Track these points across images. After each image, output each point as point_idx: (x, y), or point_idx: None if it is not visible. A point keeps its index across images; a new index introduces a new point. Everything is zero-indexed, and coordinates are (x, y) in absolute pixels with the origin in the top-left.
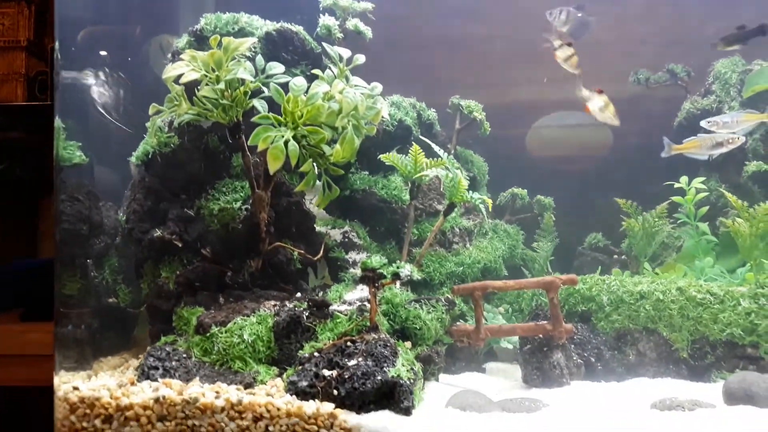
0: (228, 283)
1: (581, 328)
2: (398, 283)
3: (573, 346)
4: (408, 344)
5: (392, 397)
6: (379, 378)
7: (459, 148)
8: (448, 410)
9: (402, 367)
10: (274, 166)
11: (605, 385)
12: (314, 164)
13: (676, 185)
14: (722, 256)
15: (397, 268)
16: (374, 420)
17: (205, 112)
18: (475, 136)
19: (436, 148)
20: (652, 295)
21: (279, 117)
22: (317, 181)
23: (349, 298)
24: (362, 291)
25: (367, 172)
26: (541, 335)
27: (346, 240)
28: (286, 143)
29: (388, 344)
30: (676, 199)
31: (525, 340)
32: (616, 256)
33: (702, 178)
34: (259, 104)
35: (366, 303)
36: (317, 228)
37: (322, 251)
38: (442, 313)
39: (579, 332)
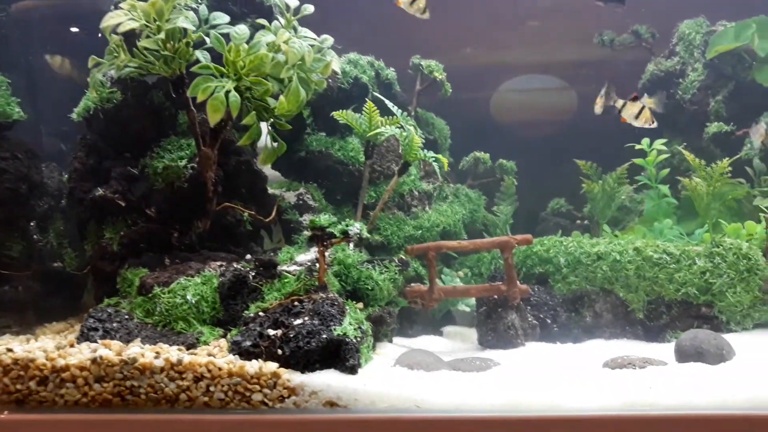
0: (175, 245)
1: (538, 289)
2: (352, 244)
3: (529, 307)
4: (359, 305)
5: (338, 355)
6: (324, 336)
7: (420, 109)
8: (396, 369)
9: (349, 326)
10: (214, 118)
11: (561, 346)
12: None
13: (637, 147)
14: (684, 218)
15: (347, 226)
16: (319, 379)
17: (147, 65)
18: (438, 99)
19: (390, 104)
20: (609, 255)
21: (222, 68)
22: (264, 137)
23: (300, 259)
24: (315, 253)
25: (324, 134)
26: (495, 296)
27: (301, 202)
28: (227, 94)
29: (336, 303)
30: (637, 161)
31: (481, 302)
32: (578, 221)
33: (664, 140)
34: (201, 55)
35: (317, 263)
36: (271, 190)
37: (274, 213)
38: (395, 273)
39: (536, 294)
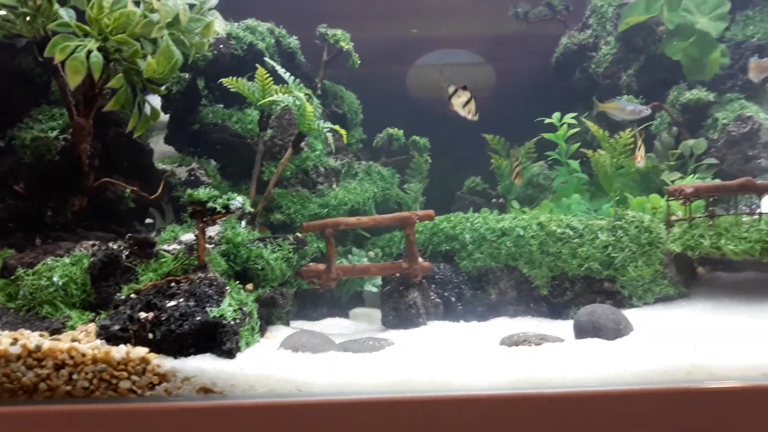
0: (48, 224)
1: (443, 267)
2: (244, 222)
3: (434, 285)
4: (249, 286)
5: (215, 339)
6: (198, 319)
7: (328, 82)
8: (280, 352)
9: (228, 307)
10: (74, 81)
11: (464, 324)
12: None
13: (546, 121)
14: (598, 194)
15: (228, 199)
16: (192, 363)
17: (6, 24)
18: (354, 74)
19: (282, 71)
20: (513, 231)
21: (86, 27)
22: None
23: (185, 238)
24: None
25: (222, 106)
26: (397, 274)
27: (192, 178)
28: (88, 54)
29: (215, 283)
30: (547, 135)
31: (386, 281)
32: (494, 200)
33: (573, 114)
34: (65, 13)
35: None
36: (162, 165)
37: (160, 189)
38: (289, 252)
39: (440, 271)
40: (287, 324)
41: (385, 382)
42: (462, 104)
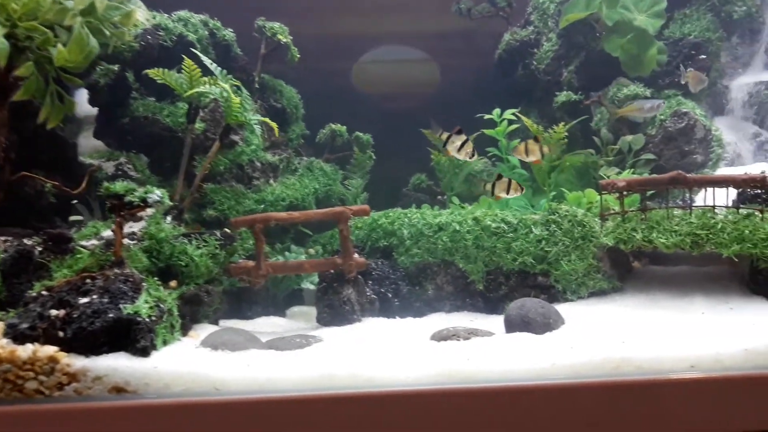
0: None
1: (381, 263)
2: (170, 217)
3: (371, 282)
4: (173, 283)
5: (129, 337)
6: (111, 316)
7: (267, 76)
8: (198, 350)
9: (144, 304)
10: None
11: (399, 321)
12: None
13: (486, 116)
14: (539, 191)
15: (146, 193)
16: (104, 362)
17: None
18: (299, 70)
19: (208, 62)
20: (449, 226)
21: None
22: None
23: (107, 234)
24: (129, 227)
25: (153, 99)
26: (332, 270)
27: (120, 173)
28: None
29: (130, 279)
30: (487, 131)
31: (322, 278)
32: (439, 197)
33: (514, 110)
34: None
35: (127, 238)
36: (89, 160)
37: (84, 184)
38: (215, 248)
39: (378, 268)
40: (216, 323)
41: (307, 379)
42: (457, 149)
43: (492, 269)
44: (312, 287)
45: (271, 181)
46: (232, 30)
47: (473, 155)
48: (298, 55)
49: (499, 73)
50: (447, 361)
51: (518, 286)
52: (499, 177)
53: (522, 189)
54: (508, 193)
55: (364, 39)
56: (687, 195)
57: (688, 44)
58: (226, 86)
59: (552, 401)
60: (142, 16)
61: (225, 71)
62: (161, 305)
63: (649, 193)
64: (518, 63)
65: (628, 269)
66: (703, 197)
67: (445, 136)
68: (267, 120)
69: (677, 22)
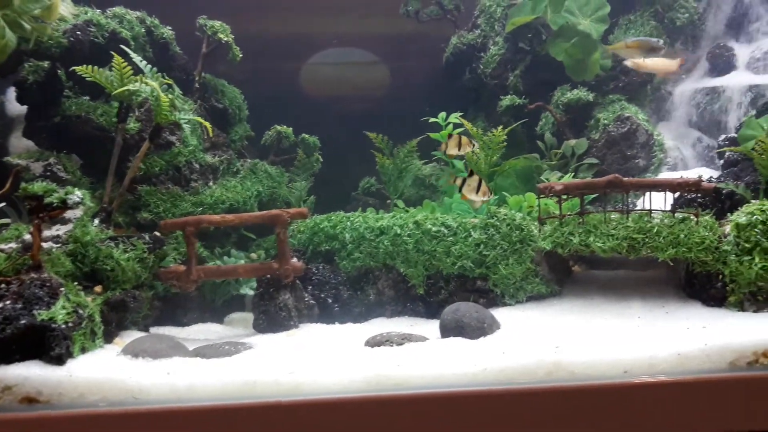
0: None
1: (322, 268)
2: (98, 220)
3: (310, 287)
4: (98, 288)
5: (43, 344)
6: (23, 322)
7: (209, 76)
8: (118, 358)
9: (61, 310)
10: None
11: (338, 326)
12: None
13: (431, 120)
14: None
15: (65, 194)
16: (15, 371)
17: None
18: (248, 70)
19: (138, 60)
20: (390, 230)
21: None
22: None
23: (29, 237)
24: (56, 230)
25: (87, 98)
26: (268, 275)
27: (48, 174)
28: None
29: (47, 284)
30: (433, 135)
31: (259, 284)
32: (389, 201)
33: (459, 113)
34: None
35: (51, 241)
36: (13, 159)
37: (8, 185)
38: (144, 252)
39: (318, 272)
40: (146, 329)
41: (229, 387)
42: (474, 190)
43: (432, 273)
44: (251, 293)
45: (211, 183)
46: (171, 28)
47: (491, 194)
48: (240, 54)
49: (447, 76)
50: (377, 368)
51: (458, 290)
52: (471, 174)
53: (491, 193)
54: (477, 193)
55: (314, 40)
56: (628, 199)
57: None
58: (155, 84)
59: (479, 408)
60: (66, 10)
61: (155, 69)
62: (80, 311)
63: (591, 197)
64: (466, 67)
65: (568, 273)
66: (643, 201)
67: (459, 180)
68: (200, 120)
69: (622, 28)
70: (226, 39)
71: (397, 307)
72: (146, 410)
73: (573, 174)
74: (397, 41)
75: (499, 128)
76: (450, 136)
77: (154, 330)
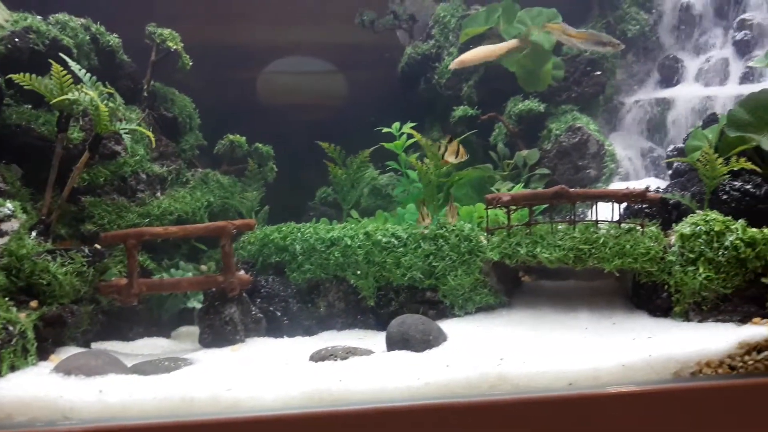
0: None
1: (272, 280)
2: (35, 233)
3: (259, 300)
4: (33, 303)
5: None
6: None
7: (158, 84)
8: (50, 376)
9: None
10: None
11: (287, 340)
12: None
13: (385, 130)
14: (443, 204)
15: None
16: None
17: None
18: (203, 78)
19: (76, 67)
20: (341, 241)
21: None
22: None
23: None
24: None
25: (29, 106)
26: (213, 288)
27: None
28: None
29: None
30: (386, 145)
31: (205, 297)
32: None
33: (413, 124)
34: None
35: None
36: None
37: None
38: (82, 265)
39: (268, 285)
40: (86, 345)
41: (165, 405)
42: (453, 152)
43: (383, 285)
44: (199, 306)
45: (158, 193)
46: (118, 36)
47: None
48: (190, 63)
49: (402, 86)
50: (318, 383)
51: (408, 301)
52: (451, 140)
53: (430, 217)
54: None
55: (271, 49)
56: (577, 209)
57: (585, 61)
58: (94, 94)
59: (419, 423)
60: (1, 17)
61: (94, 78)
62: (10, 327)
63: (542, 207)
64: (421, 77)
65: (517, 284)
66: (593, 212)
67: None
68: (142, 129)
69: None
70: (175, 47)
71: (347, 320)
72: (77, 430)
73: (524, 184)
74: (353, 51)
75: (446, 139)
76: (450, 140)
77: (95, 345)
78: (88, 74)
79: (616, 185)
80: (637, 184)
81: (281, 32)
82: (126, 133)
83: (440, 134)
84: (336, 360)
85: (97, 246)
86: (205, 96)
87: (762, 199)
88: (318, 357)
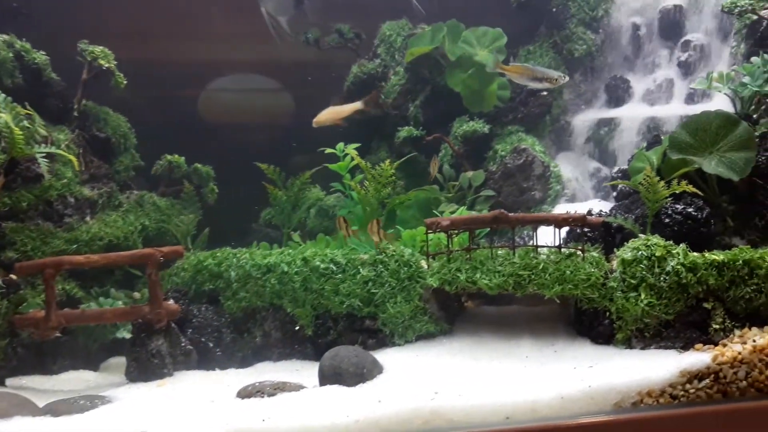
0: None
1: (204, 309)
2: None
3: (190, 330)
4: None
5: None
6: None
7: (90, 103)
8: None
9: None
10: None
11: (219, 373)
12: None
13: (328, 151)
14: (387, 226)
15: None
16: None
17: None
18: (142, 97)
19: None
20: (278, 267)
21: None
22: None
23: None
24: None
25: None
26: (139, 319)
27: None
28: None
29: None
30: (331, 166)
31: (133, 328)
32: (292, 232)
33: (356, 145)
34: None
35: None
36: None
37: None
38: None
39: (199, 314)
40: (1, 382)
41: None
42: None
43: (321, 313)
44: (129, 336)
45: (88, 218)
46: (45, 53)
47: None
48: (125, 82)
49: (346, 102)
50: (241, 422)
51: (346, 330)
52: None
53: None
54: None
55: (213, 66)
56: (516, 234)
57: None
58: (8, 116)
59: None
60: None
61: (9, 98)
62: None
63: (484, 231)
64: (364, 95)
65: (459, 310)
66: (535, 236)
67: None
68: (62, 152)
69: (521, 59)
70: (107, 65)
71: (284, 350)
72: None
73: (469, 206)
74: (298, 68)
75: (387, 162)
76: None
77: (12, 381)
78: (2, 95)
79: (563, 207)
80: (583, 206)
81: (225, 49)
82: (43, 156)
83: (388, 154)
84: (263, 397)
85: (12, 276)
86: (144, 115)
87: (703, 222)
88: (245, 393)
